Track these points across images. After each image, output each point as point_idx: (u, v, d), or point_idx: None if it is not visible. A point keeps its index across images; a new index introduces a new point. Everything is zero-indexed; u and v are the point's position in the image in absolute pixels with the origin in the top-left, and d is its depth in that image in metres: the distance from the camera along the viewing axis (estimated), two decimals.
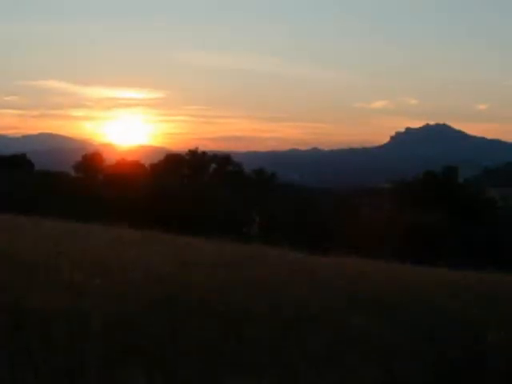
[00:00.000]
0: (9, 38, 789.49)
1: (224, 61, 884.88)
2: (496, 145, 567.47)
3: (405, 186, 70.27)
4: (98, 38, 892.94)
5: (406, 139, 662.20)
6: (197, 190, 64.08)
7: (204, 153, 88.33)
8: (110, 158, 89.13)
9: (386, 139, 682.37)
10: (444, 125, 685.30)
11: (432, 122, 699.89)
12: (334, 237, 45.23)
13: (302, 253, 22.19)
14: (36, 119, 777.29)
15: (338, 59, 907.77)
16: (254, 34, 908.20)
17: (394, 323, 9.99)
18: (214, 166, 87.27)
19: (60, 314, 8.30)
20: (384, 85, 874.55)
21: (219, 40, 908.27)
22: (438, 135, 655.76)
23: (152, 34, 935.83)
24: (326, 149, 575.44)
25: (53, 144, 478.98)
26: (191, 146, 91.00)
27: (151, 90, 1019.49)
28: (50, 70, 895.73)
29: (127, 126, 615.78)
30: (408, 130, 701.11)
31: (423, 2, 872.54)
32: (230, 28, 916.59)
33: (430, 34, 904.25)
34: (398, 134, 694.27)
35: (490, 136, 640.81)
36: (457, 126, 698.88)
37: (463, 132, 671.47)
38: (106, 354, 6.94)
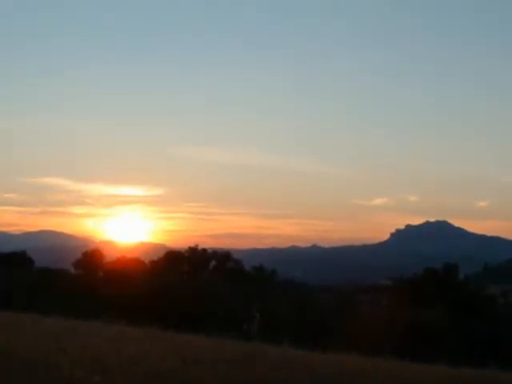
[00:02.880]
0: (8, 135, 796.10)
1: (224, 157, 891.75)
2: (496, 242, 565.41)
3: (405, 283, 70.10)
4: (98, 135, 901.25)
5: (406, 236, 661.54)
6: (197, 287, 63.89)
7: (204, 250, 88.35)
8: (111, 255, 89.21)
9: (386, 236, 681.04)
10: (444, 222, 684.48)
11: (432, 219, 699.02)
12: (334, 334, 45.00)
13: (302, 350, 22.12)
14: (36, 216, 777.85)
15: (338, 156, 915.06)
16: (254, 129, 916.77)
17: None
18: (214, 263, 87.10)
19: None
20: (384, 182, 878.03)
21: (218, 136, 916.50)
22: (438, 232, 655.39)
23: (152, 131, 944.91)
24: (326, 246, 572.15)
25: (54, 241, 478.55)
26: (191, 242, 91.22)
27: (151, 187, 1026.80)
28: (50, 167, 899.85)
29: (127, 222, 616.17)
30: (408, 226, 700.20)
31: (422, 99, 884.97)
32: (230, 124, 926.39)
33: (430, 131, 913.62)
34: (398, 230, 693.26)
35: (490, 233, 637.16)
36: (457, 223, 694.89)
37: (463, 229, 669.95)
38: None
